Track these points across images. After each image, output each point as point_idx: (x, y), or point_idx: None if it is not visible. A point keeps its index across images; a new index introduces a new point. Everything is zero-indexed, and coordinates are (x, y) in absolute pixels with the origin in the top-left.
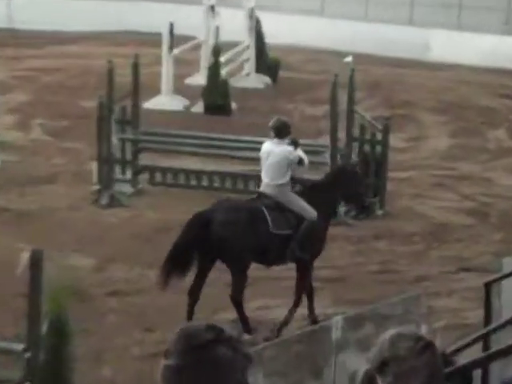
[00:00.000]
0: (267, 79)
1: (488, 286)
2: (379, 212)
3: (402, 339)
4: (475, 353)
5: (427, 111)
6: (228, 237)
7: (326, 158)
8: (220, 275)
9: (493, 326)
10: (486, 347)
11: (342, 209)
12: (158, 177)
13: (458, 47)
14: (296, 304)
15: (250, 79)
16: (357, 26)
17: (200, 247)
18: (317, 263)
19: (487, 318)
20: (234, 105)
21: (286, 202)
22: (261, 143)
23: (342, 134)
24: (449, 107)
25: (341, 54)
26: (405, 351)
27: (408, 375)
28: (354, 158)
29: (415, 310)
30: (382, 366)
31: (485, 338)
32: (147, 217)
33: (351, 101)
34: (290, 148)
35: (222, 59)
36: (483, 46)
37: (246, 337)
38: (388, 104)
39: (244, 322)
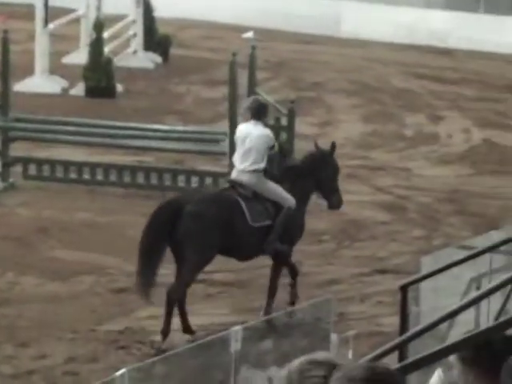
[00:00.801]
0: (157, 58)
1: (404, 290)
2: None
3: (314, 367)
4: (391, 363)
5: (338, 93)
6: (195, 230)
7: (225, 146)
8: (106, 282)
9: (409, 333)
10: (401, 357)
11: None
12: (33, 170)
13: (372, 22)
14: (272, 295)
15: (138, 58)
16: None
17: (169, 241)
18: (213, 266)
19: (403, 325)
20: (119, 87)
21: (264, 191)
22: (150, 130)
23: (242, 119)
24: (362, 89)
25: (241, 30)
26: (319, 381)
27: None
28: None
29: (325, 316)
30: None
31: (400, 347)
32: (20, 215)
33: (252, 82)
34: (269, 131)
35: (105, 35)
36: (400, 20)
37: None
38: (294, 85)
39: (167, 322)
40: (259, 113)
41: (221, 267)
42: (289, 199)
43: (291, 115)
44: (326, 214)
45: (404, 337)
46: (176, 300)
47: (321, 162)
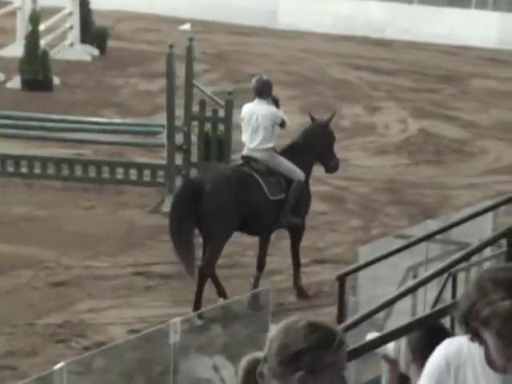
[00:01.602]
0: (94, 50)
1: (342, 279)
2: None
3: (317, 330)
4: None
5: (275, 85)
6: (217, 208)
7: (163, 138)
8: (44, 276)
9: (346, 322)
10: None
11: None
12: None
13: (309, 13)
14: (297, 265)
15: (75, 50)
16: None
17: (194, 216)
18: (151, 258)
19: (341, 315)
20: (56, 79)
21: (276, 166)
22: (88, 123)
23: (180, 112)
24: (299, 80)
25: (178, 22)
26: (322, 343)
27: (321, 372)
28: (194, 138)
29: (264, 307)
30: (294, 358)
31: None
32: None
33: (190, 74)
34: (274, 108)
35: (42, 28)
36: (337, 11)
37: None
38: (232, 77)
39: (198, 299)
40: (262, 91)
41: (160, 259)
42: (299, 173)
43: (229, 107)
44: None
45: (342, 326)
46: (207, 277)
47: (319, 134)
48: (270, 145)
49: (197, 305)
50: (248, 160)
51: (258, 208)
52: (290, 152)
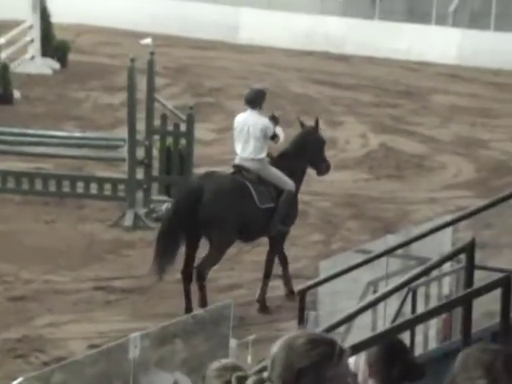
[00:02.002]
0: (55, 64)
1: (302, 294)
2: None
3: (315, 347)
4: None
5: (237, 99)
6: (219, 213)
7: (124, 152)
8: (3, 291)
9: None
10: None
11: (142, 211)
12: None
13: (270, 28)
14: (267, 275)
15: (35, 64)
16: (157, 3)
17: (190, 224)
18: (112, 273)
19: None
20: (16, 93)
21: (267, 175)
22: (49, 137)
23: (141, 126)
24: None
25: (139, 35)
26: (324, 359)
27: (327, 383)
28: (155, 152)
29: (225, 321)
30: (298, 376)
31: None
32: None
33: (151, 88)
34: (266, 120)
35: (2, 41)
36: (297, 26)
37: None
38: (193, 91)
39: (203, 298)
40: (253, 101)
41: (121, 274)
42: (289, 183)
43: (190, 121)
44: None
45: None
46: (203, 277)
47: (309, 140)
48: (261, 155)
49: (188, 305)
50: (240, 169)
51: (249, 215)
52: (281, 161)
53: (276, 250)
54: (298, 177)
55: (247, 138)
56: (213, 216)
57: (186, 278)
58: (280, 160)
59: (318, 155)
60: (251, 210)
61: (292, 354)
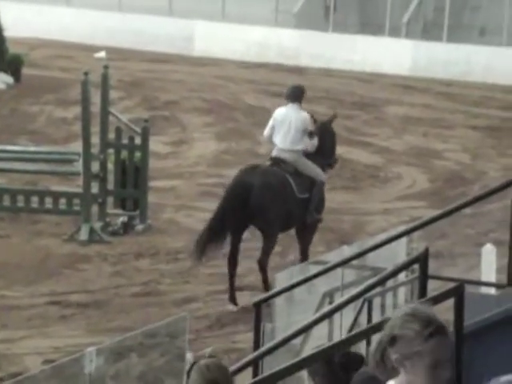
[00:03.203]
0: (8, 78)
1: (258, 306)
2: (140, 227)
3: (413, 320)
4: (246, 379)
5: (191, 112)
6: (268, 203)
7: (79, 166)
8: None
9: (262, 349)
10: (255, 373)
11: (98, 225)
12: None
13: (224, 40)
14: (306, 259)
15: None
16: (110, 16)
17: (239, 217)
18: (67, 287)
19: (257, 342)
20: None
21: (302, 167)
22: (2, 151)
23: (96, 139)
24: (215, 107)
25: (93, 49)
26: (412, 334)
27: (413, 358)
28: (110, 165)
29: (181, 335)
30: (392, 341)
31: (255, 363)
32: None
33: (105, 101)
34: (306, 114)
35: None
36: (251, 38)
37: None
38: (148, 104)
39: (267, 288)
40: (295, 96)
41: (76, 288)
42: (321, 174)
43: (145, 134)
44: (182, 232)
45: (257, 353)
46: (265, 266)
47: (325, 134)
48: (299, 147)
49: (266, 287)
50: (277, 161)
51: (291, 206)
52: (307, 155)
53: (312, 235)
54: (322, 170)
55: (288, 129)
56: (264, 208)
57: (231, 264)
58: (306, 154)
59: (332, 149)
60: (292, 200)
61: (394, 321)
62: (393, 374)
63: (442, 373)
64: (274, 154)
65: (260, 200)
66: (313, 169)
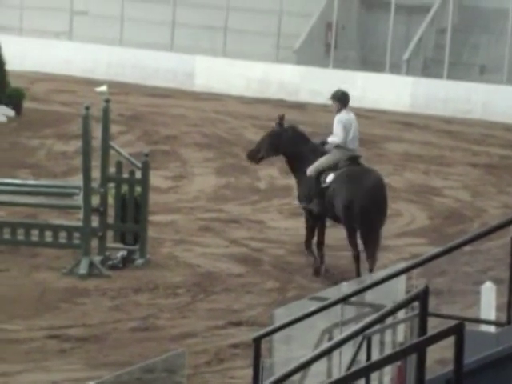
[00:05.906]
0: (9, 111)
1: (257, 342)
2: (139, 261)
3: None
4: None
5: (192, 146)
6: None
7: (79, 200)
8: None
9: None
10: None
11: (97, 258)
12: None
13: (225, 75)
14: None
15: None
16: (111, 51)
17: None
18: (65, 321)
19: (256, 378)
20: None
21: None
22: (2, 184)
23: (96, 173)
24: (215, 142)
25: (94, 83)
26: None
27: None
28: (111, 199)
29: (178, 370)
30: None
31: None
32: None
33: (106, 135)
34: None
35: None
36: (252, 74)
37: None
38: (148, 139)
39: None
40: (347, 101)
41: (75, 322)
42: None
43: (145, 168)
44: (181, 267)
45: None
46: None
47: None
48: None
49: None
50: (357, 160)
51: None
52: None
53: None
54: None
55: (356, 132)
56: (386, 203)
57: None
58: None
59: None
60: None
61: None
62: None
63: None
64: (351, 153)
65: (386, 196)
66: None
